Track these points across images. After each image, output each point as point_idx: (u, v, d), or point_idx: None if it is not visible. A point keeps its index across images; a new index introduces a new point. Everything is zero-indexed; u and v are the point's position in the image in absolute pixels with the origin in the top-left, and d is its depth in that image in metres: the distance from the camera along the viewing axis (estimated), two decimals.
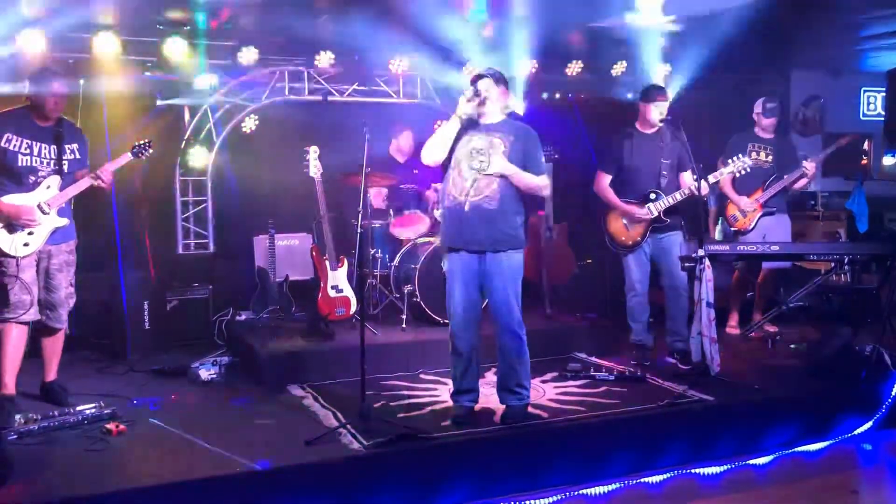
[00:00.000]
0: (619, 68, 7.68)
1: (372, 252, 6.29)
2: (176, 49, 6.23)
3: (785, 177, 6.17)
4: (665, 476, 4.20)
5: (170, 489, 3.43)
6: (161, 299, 6.23)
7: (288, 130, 6.90)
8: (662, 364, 5.49)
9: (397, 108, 7.40)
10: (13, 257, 4.34)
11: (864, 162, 9.56)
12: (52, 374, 4.74)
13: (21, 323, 4.46)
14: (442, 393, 4.82)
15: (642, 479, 4.15)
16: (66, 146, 4.49)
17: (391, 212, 6.42)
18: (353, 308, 5.87)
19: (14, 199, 4.34)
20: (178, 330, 6.22)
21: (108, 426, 4.10)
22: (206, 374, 5.24)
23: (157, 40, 6.26)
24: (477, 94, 4.15)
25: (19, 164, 4.35)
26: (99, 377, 5.32)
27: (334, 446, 3.91)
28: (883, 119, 8.59)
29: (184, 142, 6.83)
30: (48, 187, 4.42)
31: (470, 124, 4.25)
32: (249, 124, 6.99)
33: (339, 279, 5.91)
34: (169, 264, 6.76)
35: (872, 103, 9.48)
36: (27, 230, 4.36)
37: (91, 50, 6.04)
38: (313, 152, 5.69)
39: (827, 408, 4.81)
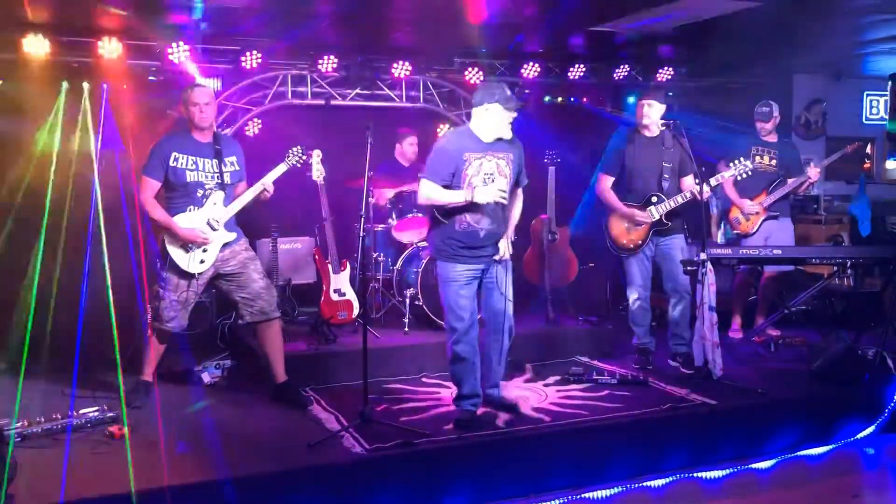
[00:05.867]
0: (621, 72, 7.69)
1: (374, 255, 6.29)
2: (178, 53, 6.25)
3: (789, 181, 6.16)
4: (667, 480, 4.20)
5: (171, 492, 3.44)
6: None
7: (291, 134, 6.90)
8: (665, 368, 5.48)
9: (400, 111, 7.41)
10: (192, 275, 4.57)
11: (867, 165, 9.56)
12: (281, 375, 4.79)
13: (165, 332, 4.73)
14: (444, 396, 4.82)
15: (645, 483, 4.15)
16: (226, 159, 4.70)
17: (394, 215, 6.42)
18: (356, 311, 5.87)
19: (187, 221, 4.53)
20: (181, 333, 6.20)
21: (110, 429, 4.11)
22: (208, 377, 5.25)
23: (159, 44, 6.27)
24: (501, 193, 4.12)
25: (188, 179, 4.55)
26: (101, 380, 5.31)
27: (336, 449, 3.92)
28: (886, 123, 8.62)
29: None
30: (214, 203, 4.62)
31: (473, 141, 4.26)
32: (252, 128, 7.00)
33: (341, 283, 5.91)
34: None
35: (875, 107, 9.46)
36: (202, 248, 4.56)
37: (95, 54, 6.05)
38: (316, 156, 5.68)
39: (829, 412, 4.81)
